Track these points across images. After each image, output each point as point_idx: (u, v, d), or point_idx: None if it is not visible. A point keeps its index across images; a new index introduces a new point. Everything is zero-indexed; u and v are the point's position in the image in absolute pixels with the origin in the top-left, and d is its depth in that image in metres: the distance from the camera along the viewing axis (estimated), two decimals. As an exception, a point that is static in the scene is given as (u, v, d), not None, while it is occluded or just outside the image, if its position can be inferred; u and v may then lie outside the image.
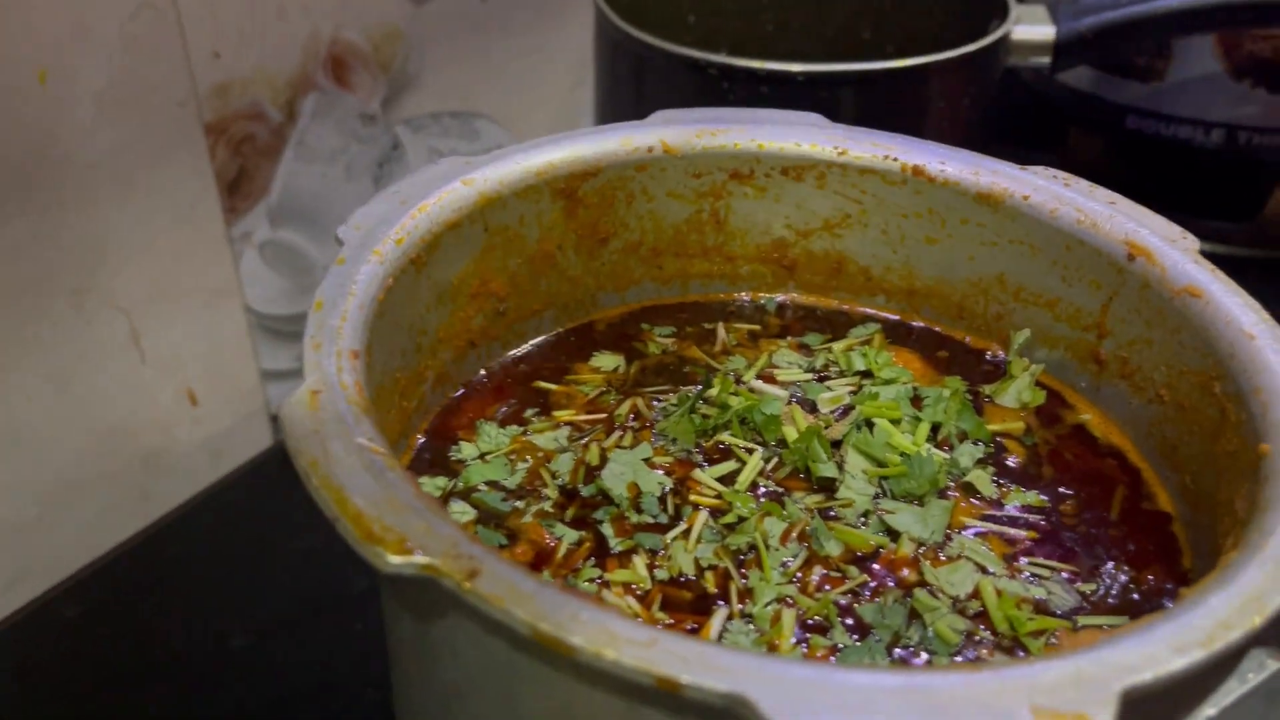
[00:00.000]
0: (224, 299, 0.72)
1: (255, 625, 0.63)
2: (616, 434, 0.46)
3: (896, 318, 0.53)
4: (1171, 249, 0.44)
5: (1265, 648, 0.31)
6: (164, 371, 0.69)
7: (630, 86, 0.78)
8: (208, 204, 0.69)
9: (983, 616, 0.38)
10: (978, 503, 0.43)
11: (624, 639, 0.27)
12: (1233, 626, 0.28)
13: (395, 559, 0.28)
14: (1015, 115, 0.91)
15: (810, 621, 0.38)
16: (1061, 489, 0.44)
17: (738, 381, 0.48)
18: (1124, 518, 0.43)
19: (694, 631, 0.37)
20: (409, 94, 0.82)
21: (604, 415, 0.47)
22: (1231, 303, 0.41)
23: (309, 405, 0.33)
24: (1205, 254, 0.43)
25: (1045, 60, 0.78)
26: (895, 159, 0.50)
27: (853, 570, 0.40)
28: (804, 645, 0.37)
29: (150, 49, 0.62)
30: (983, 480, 0.44)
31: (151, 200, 0.65)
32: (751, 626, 0.38)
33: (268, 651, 0.62)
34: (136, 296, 0.66)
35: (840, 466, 0.44)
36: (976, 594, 0.39)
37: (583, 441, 0.45)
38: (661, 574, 0.40)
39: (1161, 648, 0.28)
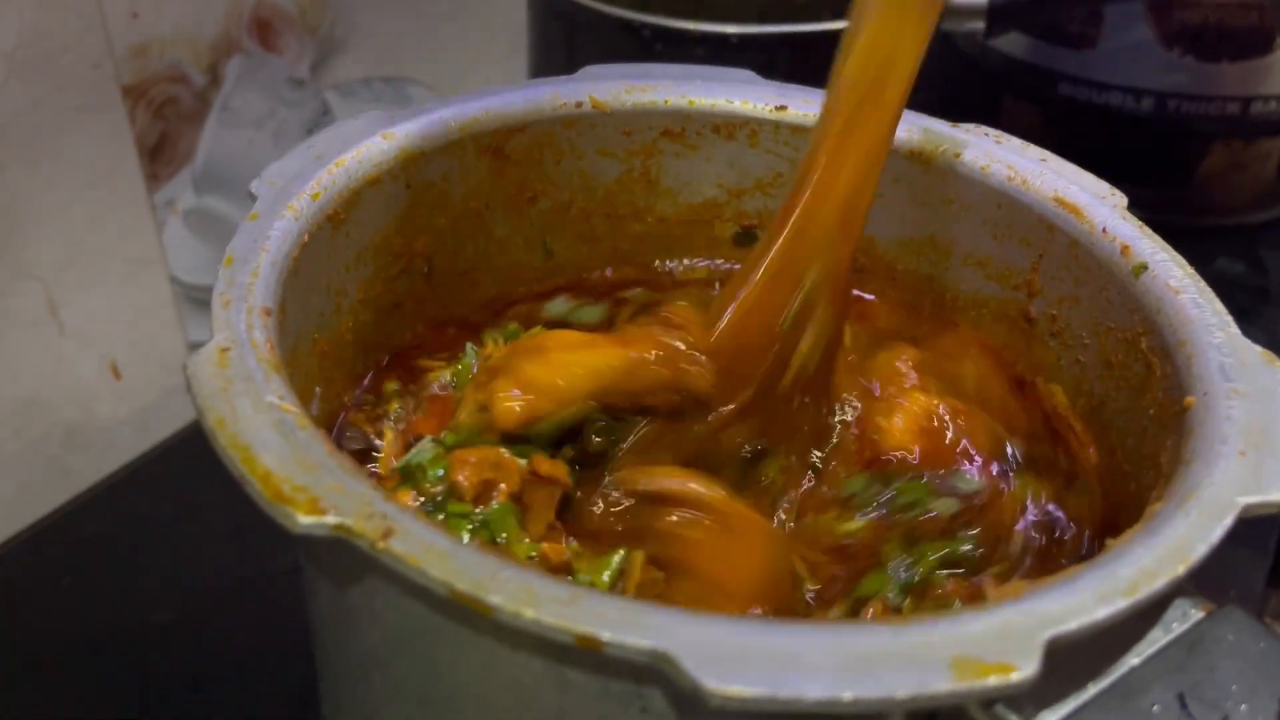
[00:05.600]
0: (147, 268, 0.70)
1: (179, 601, 0.61)
2: None
3: None
4: (1100, 205, 0.44)
5: (1189, 598, 0.31)
6: (84, 343, 0.67)
7: (563, 50, 0.77)
8: (127, 169, 0.67)
9: None
10: None
11: (544, 597, 0.26)
12: (1157, 576, 0.28)
13: (306, 519, 0.27)
14: (949, 83, 0.92)
15: None
16: None
17: None
18: None
19: None
20: (338, 58, 0.80)
21: None
22: (1158, 258, 0.41)
23: (217, 363, 0.32)
24: (1135, 219, 0.44)
25: (979, 25, 0.78)
26: (828, 116, 0.49)
27: None
28: None
29: (62, 7, 0.60)
30: None
31: (66, 165, 0.63)
32: None
33: (192, 627, 0.60)
34: (53, 265, 0.64)
35: None
36: None
37: None
38: None
39: (1086, 597, 0.27)
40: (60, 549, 0.65)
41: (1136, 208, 0.45)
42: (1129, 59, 0.86)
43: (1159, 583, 0.28)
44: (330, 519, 0.27)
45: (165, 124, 0.70)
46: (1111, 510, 0.41)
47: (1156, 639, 0.30)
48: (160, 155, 0.70)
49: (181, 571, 0.63)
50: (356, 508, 0.28)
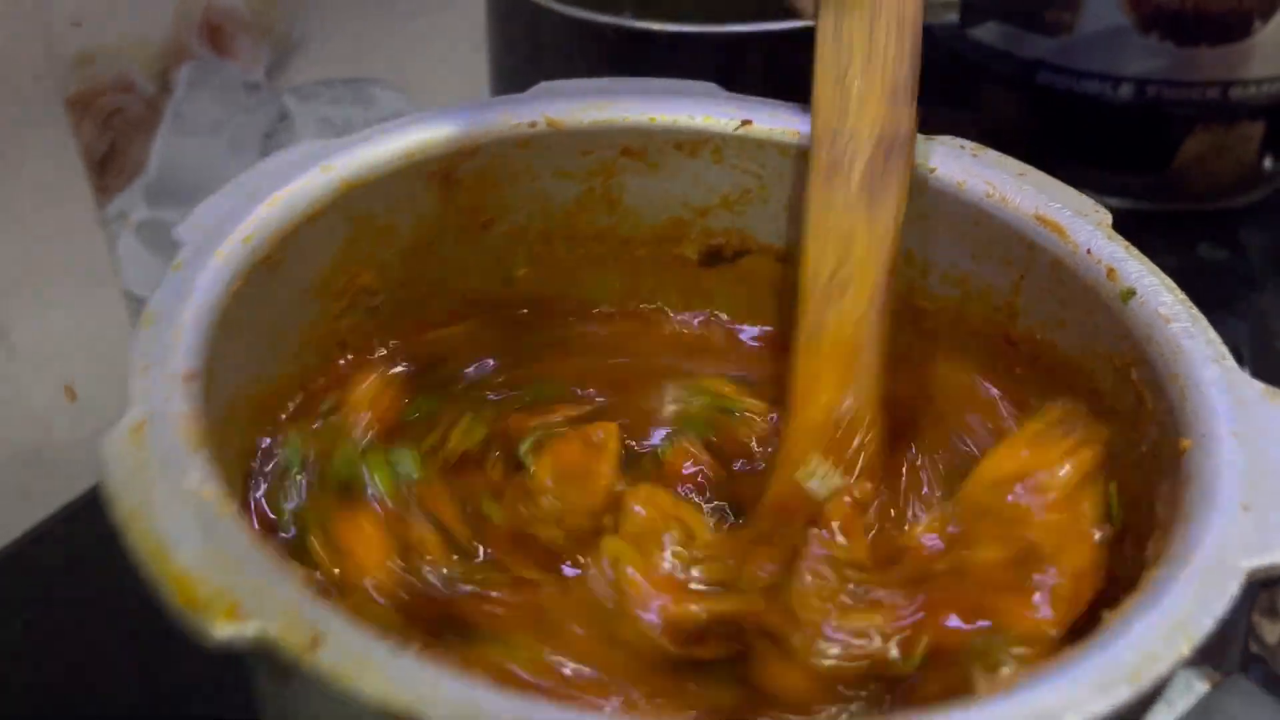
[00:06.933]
0: (100, 285, 0.67)
1: (146, 630, 0.59)
2: None
3: None
4: (1083, 223, 0.42)
5: (1193, 668, 0.29)
6: (37, 366, 0.64)
7: (525, 52, 0.74)
8: (75, 183, 0.64)
9: None
10: None
11: (489, 714, 0.24)
12: (1160, 658, 0.26)
13: (223, 629, 0.25)
14: (926, 73, 0.90)
15: None
16: None
17: None
18: None
19: None
20: (296, 60, 0.78)
21: None
22: (1146, 283, 0.39)
23: (131, 441, 0.29)
24: (1116, 209, 0.42)
25: (954, 17, 0.76)
26: (795, 130, 0.47)
27: None
28: None
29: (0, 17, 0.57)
30: None
31: (10, 181, 0.61)
32: None
33: (158, 658, 0.58)
34: (0, 286, 0.61)
35: None
36: None
37: None
38: None
39: (1084, 688, 0.25)
40: (23, 577, 0.62)
41: (1116, 195, 0.43)
42: (1107, 45, 0.84)
43: (1162, 666, 0.26)
44: (250, 628, 0.25)
45: (114, 134, 0.68)
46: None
47: (1159, 715, 0.28)
48: (109, 167, 0.69)
49: (148, 600, 0.61)
50: (282, 611, 0.25)
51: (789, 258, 0.50)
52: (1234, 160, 0.90)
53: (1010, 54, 0.87)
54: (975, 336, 0.46)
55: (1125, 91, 0.85)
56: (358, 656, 0.24)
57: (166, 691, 0.56)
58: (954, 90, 0.94)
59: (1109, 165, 0.92)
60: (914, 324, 0.48)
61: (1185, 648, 0.26)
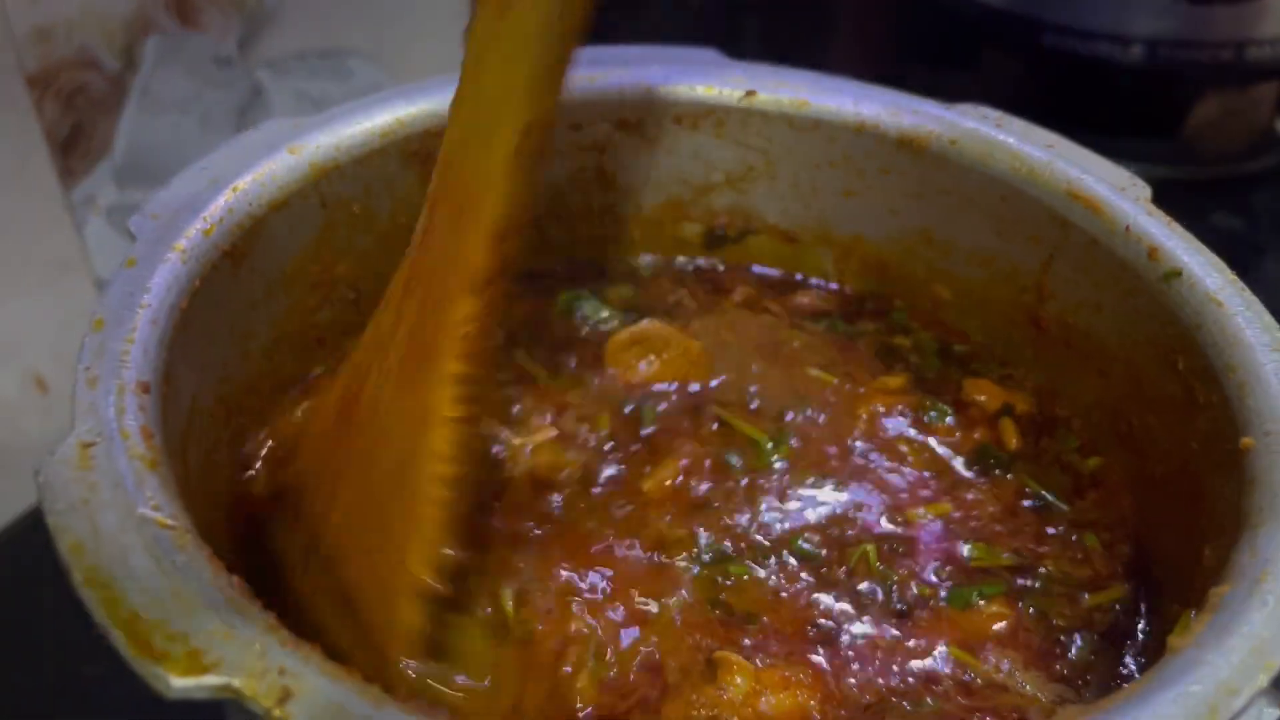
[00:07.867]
0: (69, 272, 0.64)
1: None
2: None
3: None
4: (1121, 199, 0.38)
5: (1264, 693, 0.26)
6: (4, 357, 0.62)
7: None
8: (38, 166, 0.61)
9: None
10: None
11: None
12: (1238, 691, 0.23)
13: (181, 681, 0.22)
14: (928, 38, 0.86)
15: None
16: None
17: None
18: None
19: None
20: (269, 32, 0.74)
21: None
22: (1194, 262, 0.35)
23: (78, 464, 0.26)
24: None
25: (957, -24, 0.73)
26: (804, 100, 0.44)
27: None
28: None
29: (-51, -10, 0.54)
30: None
31: (-34, 165, 0.58)
32: None
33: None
34: (-36, 275, 0.59)
35: None
36: None
37: None
38: None
39: (1156, 731, 0.22)
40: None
41: (1126, 163, 0.40)
42: (1116, 5, 0.82)
43: (1240, 700, 0.23)
44: (213, 679, 0.22)
45: (77, 114, 0.64)
46: (1145, 552, 0.36)
47: (1229, 747, 0.25)
48: (74, 148, 0.65)
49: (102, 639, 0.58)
50: (247, 661, 0.22)
51: (797, 238, 0.47)
52: (1247, 124, 0.87)
53: (1014, 15, 0.84)
54: (999, 320, 0.43)
55: (1136, 53, 0.82)
56: (333, 712, 0.21)
57: (144, 689, 0.54)
58: (954, 55, 0.90)
59: (1117, 132, 0.88)
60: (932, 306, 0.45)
61: (1263, 678, 0.24)
